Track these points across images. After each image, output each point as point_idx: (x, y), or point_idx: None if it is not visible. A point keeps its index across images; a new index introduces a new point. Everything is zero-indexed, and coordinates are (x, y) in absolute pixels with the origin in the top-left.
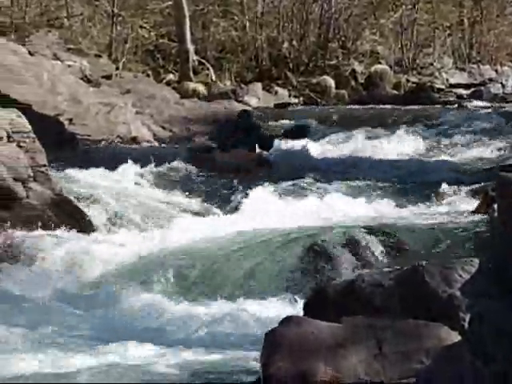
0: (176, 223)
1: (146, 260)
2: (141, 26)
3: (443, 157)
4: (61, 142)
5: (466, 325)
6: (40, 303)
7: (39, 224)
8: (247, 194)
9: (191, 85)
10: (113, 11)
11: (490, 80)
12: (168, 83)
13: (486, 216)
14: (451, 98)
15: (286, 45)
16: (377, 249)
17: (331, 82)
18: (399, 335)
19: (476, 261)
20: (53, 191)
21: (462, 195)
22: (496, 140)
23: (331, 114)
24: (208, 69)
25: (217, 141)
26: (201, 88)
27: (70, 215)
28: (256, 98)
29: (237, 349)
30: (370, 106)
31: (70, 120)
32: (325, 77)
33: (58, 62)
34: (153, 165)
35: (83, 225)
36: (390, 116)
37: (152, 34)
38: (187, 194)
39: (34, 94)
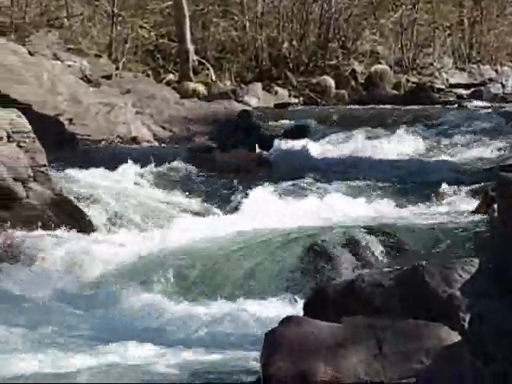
0: (176, 223)
1: (146, 260)
2: (141, 26)
3: (443, 157)
4: (61, 142)
5: (466, 325)
6: (40, 303)
7: (39, 224)
8: (247, 194)
9: (191, 85)
10: (113, 11)
11: (490, 80)
12: (168, 83)
13: (486, 216)
14: (451, 98)
15: (286, 45)
16: (377, 249)
17: (331, 82)
18: (399, 335)
19: (476, 261)
20: (53, 191)
21: (461, 195)
22: (496, 140)
23: (331, 113)
24: (208, 69)
25: (217, 141)
26: (201, 88)
27: (70, 215)
28: (256, 98)
29: (237, 349)
30: (370, 106)
31: (70, 120)
32: (325, 77)
33: (58, 62)
34: (153, 165)
35: (83, 225)
36: (389, 116)
37: (152, 33)
38: (187, 193)
39: (34, 94)
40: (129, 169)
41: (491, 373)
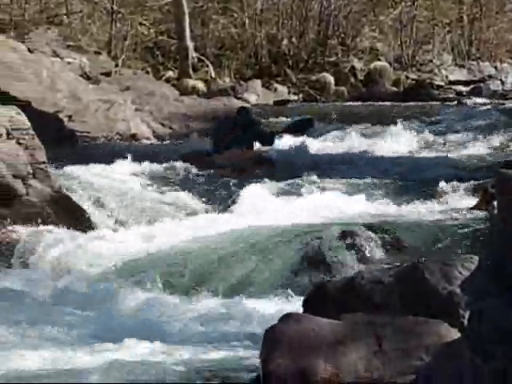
0: (175, 221)
1: (145, 257)
2: (140, 23)
3: (442, 154)
4: (60, 139)
5: (466, 322)
6: (38, 301)
7: (39, 221)
8: (245, 192)
9: (190, 82)
10: (112, 8)
11: (490, 77)
12: (167, 80)
13: (485, 213)
14: (451, 95)
15: (285, 42)
16: (376, 246)
17: (330, 79)
18: (399, 332)
19: (476, 258)
20: (52, 188)
21: (461, 192)
22: (495, 137)
23: (330, 110)
24: (207, 66)
25: (215, 138)
26: (200, 85)
27: (69, 212)
28: (255, 94)
29: (236, 346)
30: (370, 102)
31: (70, 117)
32: (324, 74)
33: (58, 59)
34: (151, 163)
35: (82, 222)
36: (389, 113)
37: (151, 31)
38: (185, 192)
39: (33, 91)
40: (128, 166)
41: (491, 370)
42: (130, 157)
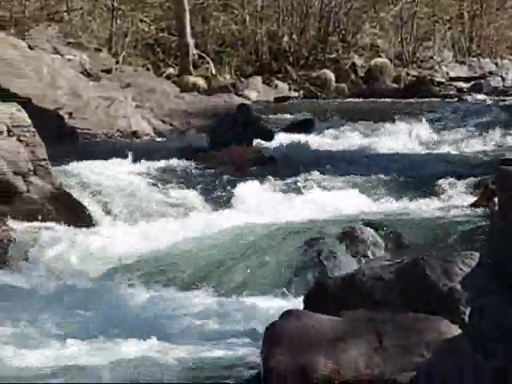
0: (175, 218)
1: (146, 254)
2: (141, 20)
3: (443, 150)
4: (61, 136)
5: (467, 318)
6: (38, 298)
7: (39, 218)
8: (246, 190)
9: (191, 78)
10: (113, 5)
11: (490, 73)
12: (168, 77)
13: (486, 209)
14: (451, 92)
15: (285, 38)
16: (377, 243)
17: (331, 76)
18: (399, 328)
19: (476, 254)
20: (53, 185)
21: (461, 189)
22: (496, 133)
23: (331, 107)
24: (208, 62)
25: (212, 135)
26: (201, 82)
27: (69, 209)
28: (256, 91)
29: (237, 343)
30: (370, 99)
31: (70, 114)
32: (325, 70)
33: (58, 56)
34: (151, 160)
35: (83, 219)
36: (389, 110)
37: (152, 27)
38: (185, 189)
39: (33, 88)
40: (128, 163)
41: (491, 367)
42: (130, 154)
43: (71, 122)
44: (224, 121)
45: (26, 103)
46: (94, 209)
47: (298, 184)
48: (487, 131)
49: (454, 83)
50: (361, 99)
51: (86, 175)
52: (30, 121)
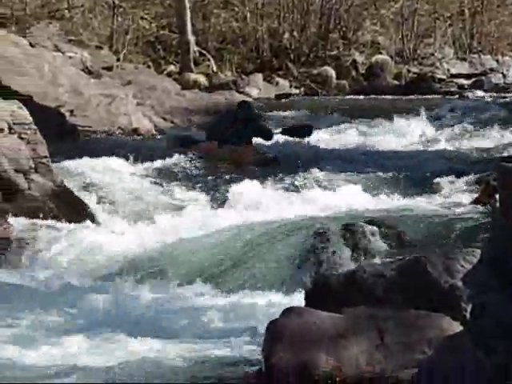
0: (176, 216)
1: (147, 252)
2: (142, 18)
3: (444, 147)
4: (62, 134)
5: (468, 315)
6: (38, 296)
7: (40, 215)
8: (246, 187)
9: (192, 76)
10: (114, 2)
11: (491, 70)
12: (169, 74)
13: (487, 206)
14: (452, 88)
15: (286, 35)
16: (378, 240)
17: (332, 73)
18: (401, 325)
19: (478, 251)
20: (54, 182)
21: (462, 185)
22: (497, 130)
23: (331, 104)
24: (209, 60)
25: (209, 132)
26: (202, 79)
27: (70, 206)
28: (257, 88)
29: (239, 340)
30: (371, 96)
31: (71, 111)
32: (326, 67)
33: (59, 54)
34: (153, 157)
35: (84, 216)
36: (390, 106)
37: (153, 25)
38: (186, 186)
39: (35, 86)
40: (129, 161)
41: (493, 364)
42: (130, 151)
43: (72, 119)
44: (224, 118)
45: (27, 101)
46: (94, 206)
47: (298, 182)
48: (488, 128)
49: (455, 80)
50: (361, 96)
51: (87, 173)
52: (31, 118)
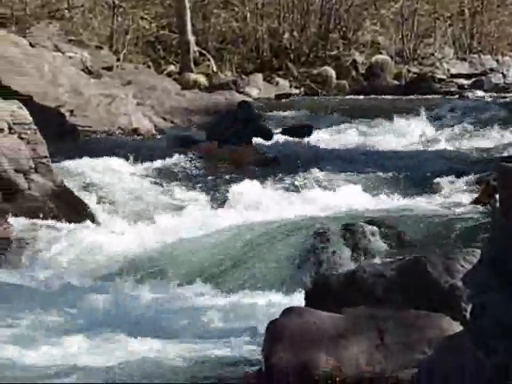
0: (176, 216)
1: (147, 251)
2: (142, 18)
3: (444, 147)
4: (62, 134)
5: (468, 315)
6: (40, 295)
7: (40, 215)
8: (246, 187)
9: (192, 76)
10: (114, 2)
11: (491, 70)
12: (169, 74)
13: (487, 206)
14: (452, 88)
15: (286, 35)
16: (378, 240)
17: (332, 73)
18: (401, 326)
19: (478, 251)
20: (54, 182)
21: (462, 185)
22: (497, 130)
23: (331, 104)
24: (209, 60)
25: (209, 132)
26: (202, 79)
27: (70, 206)
28: (257, 88)
29: (239, 340)
30: (371, 96)
31: (71, 111)
32: (326, 67)
33: (59, 54)
34: (153, 157)
35: (84, 216)
36: (390, 106)
37: (153, 25)
38: (186, 186)
39: (35, 86)
40: (129, 161)
41: (492, 364)
42: (130, 151)
43: (72, 119)
44: (224, 117)
45: (27, 101)
46: (94, 206)
47: (298, 182)
48: (488, 128)
49: (455, 80)
50: (361, 96)
51: (87, 173)
52: (31, 118)
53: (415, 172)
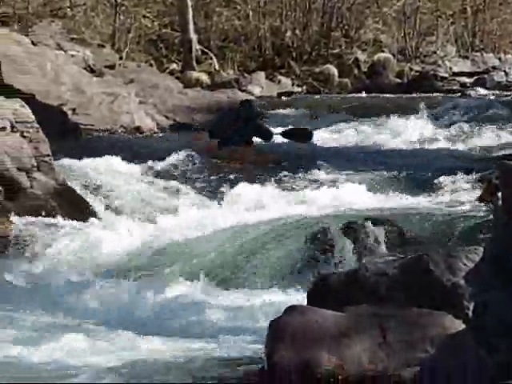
0: (177, 214)
1: (149, 250)
2: (144, 16)
3: (446, 145)
4: (64, 132)
5: (470, 313)
6: (42, 293)
7: (43, 213)
8: (248, 187)
9: (194, 74)
10: (116, 1)
11: (494, 68)
12: (171, 73)
13: (489, 204)
14: (454, 87)
15: (289, 34)
16: (380, 238)
17: (334, 71)
18: (403, 324)
19: (480, 249)
20: (56, 181)
21: (465, 184)
22: (499, 128)
23: (334, 102)
24: (211, 58)
25: (215, 129)
26: (204, 77)
27: (73, 205)
28: (259, 87)
29: (241, 338)
30: (373, 94)
31: (74, 110)
32: (328, 65)
33: (62, 52)
34: (155, 156)
35: (86, 214)
36: (392, 105)
37: (155, 23)
38: (188, 185)
39: (37, 84)
40: (131, 159)
41: (495, 362)
42: (133, 149)
43: (74, 117)
44: (227, 116)
45: (29, 99)
46: (96, 204)
47: (298, 182)
48: (490, 126)
49: (458, 78)
50: (364, 94)
51: (89, 171)
52: (33, 117)
53: (417, 170)
